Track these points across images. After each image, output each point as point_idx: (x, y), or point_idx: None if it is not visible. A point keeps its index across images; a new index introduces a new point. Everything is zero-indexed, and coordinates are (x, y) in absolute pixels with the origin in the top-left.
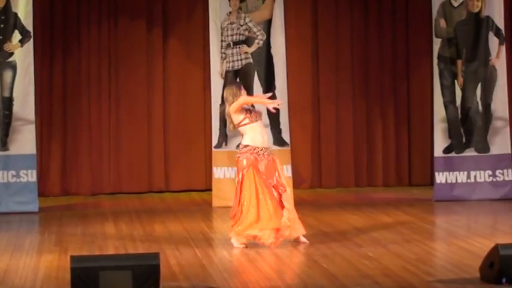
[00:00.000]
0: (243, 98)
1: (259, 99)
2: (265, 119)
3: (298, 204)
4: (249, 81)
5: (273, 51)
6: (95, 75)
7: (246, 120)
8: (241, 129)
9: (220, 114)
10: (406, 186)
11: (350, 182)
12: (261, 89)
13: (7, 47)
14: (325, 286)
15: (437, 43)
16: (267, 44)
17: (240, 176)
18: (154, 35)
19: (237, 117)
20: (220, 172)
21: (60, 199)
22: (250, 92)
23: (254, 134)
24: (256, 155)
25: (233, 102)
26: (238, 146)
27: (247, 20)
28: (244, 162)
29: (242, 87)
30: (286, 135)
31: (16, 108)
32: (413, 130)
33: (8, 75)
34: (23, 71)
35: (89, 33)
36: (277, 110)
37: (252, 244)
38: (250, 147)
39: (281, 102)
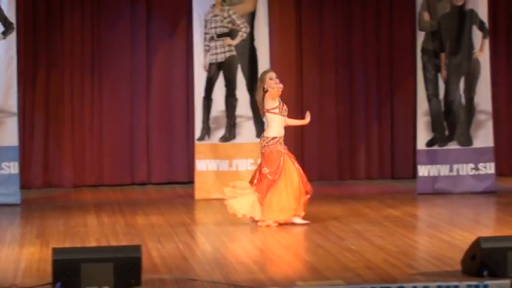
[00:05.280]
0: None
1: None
2: (248, 111)
3: None
4: (233, 74)
5: (256, 43)
6: (78, 68)
7: (276, 110)
8: (268, 116)
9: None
10: (389, 179)
11: (333, 174)
12: (244, 82)
13: None
14: (307, 278)
15: (421, 36)
16: (251, 36)
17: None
18: (137, 27)
19: (268, 103)
20: (203, 165)
21: (42, 191)
22: (233, 85)
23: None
24: (280, 144)
25: (260, 88)
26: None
27: (230, 12)
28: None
29: (271, 70)
30: None
31: None
32: (396, 123)
33: None
34: (5, 63)
35: (72, 25)
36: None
37: (234, 237)
38: (277, 138)
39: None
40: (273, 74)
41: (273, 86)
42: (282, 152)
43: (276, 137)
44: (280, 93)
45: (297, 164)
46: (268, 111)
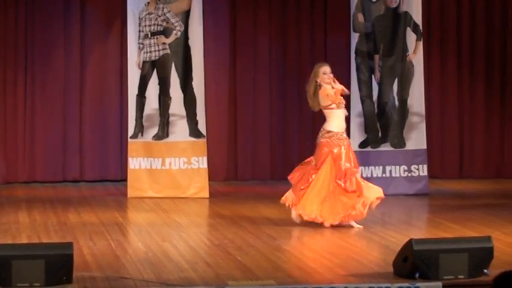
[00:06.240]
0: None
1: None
2: (182, 110)
3: (213, 196)
4: (166, 72)
5: (190, 42)
6: (11, 65)
7: (333, 106)
8: (325, 112)
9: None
10: None
11: (266, 174)
12: (177, 80)
13: None
14: (238, 278)
15: (355, 38)
16: (185, 35)
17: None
18: (71, 24)
19: (324, 101)
20: (136, 163)
21: None
22: (166, 84)
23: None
24: (337, 139)
25: (312, 81)
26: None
27: (165, 10)
28: (325, 149)
29: (325, 64)
30: (202, 127)
31: None
32: None
33: None
34: None
35: (5, 22)
36: (195, 101)
37: (166, 236)
38: (333, 132)
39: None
40: (327, 68)
41: (326, 81)
42: (332, 151)
43: (332, 131)
44: (338, 99)
45: (345, 166)
46: (325, 108)
